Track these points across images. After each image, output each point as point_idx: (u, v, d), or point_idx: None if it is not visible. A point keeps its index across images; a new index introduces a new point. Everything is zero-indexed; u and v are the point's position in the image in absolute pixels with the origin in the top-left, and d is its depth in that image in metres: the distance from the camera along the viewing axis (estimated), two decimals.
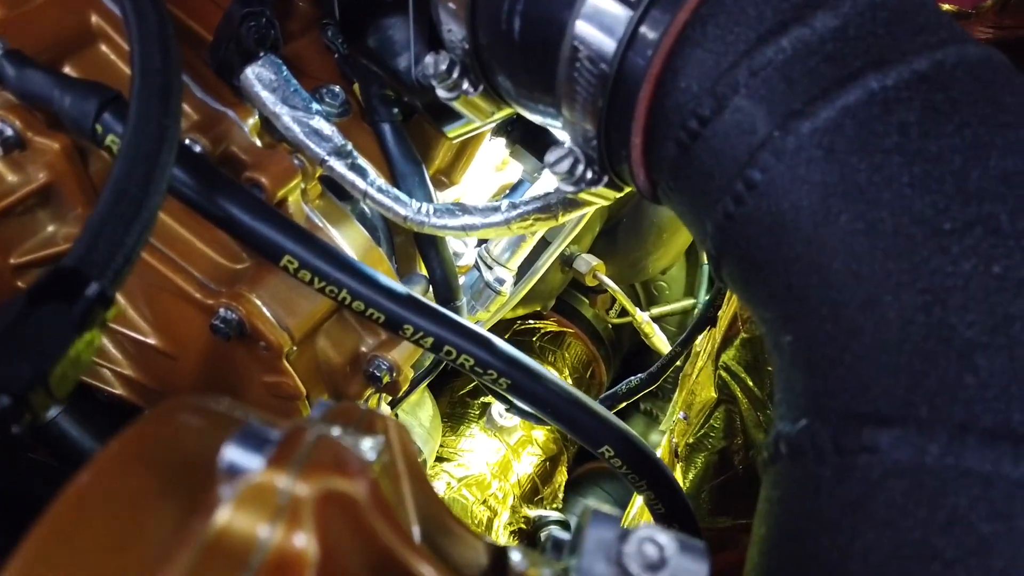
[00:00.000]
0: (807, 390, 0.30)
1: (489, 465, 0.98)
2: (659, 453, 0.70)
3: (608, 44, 0.38)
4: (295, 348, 0.57)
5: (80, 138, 0.49)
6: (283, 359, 0.57)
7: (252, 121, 0.59)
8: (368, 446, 0.24)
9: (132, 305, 0.59)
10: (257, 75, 0.56)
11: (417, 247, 0.71)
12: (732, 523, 0.65)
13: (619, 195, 0.47)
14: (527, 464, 1.03)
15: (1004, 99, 0.31)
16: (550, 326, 1.17)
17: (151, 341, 0.59)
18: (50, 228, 0.57)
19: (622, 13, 0.37)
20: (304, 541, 0.19)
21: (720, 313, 0.74)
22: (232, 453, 0.20)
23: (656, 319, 1.14)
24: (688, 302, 1.21)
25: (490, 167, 0.86)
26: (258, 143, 0.58)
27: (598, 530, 0.25)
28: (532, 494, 1.03)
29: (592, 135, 0.42)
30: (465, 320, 0.54)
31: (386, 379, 0.62)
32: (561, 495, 1.07)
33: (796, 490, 0.29)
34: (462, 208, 0.59)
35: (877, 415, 0.27)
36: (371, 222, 0.70)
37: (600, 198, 0.47)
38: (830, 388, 0.29)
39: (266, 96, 0.56)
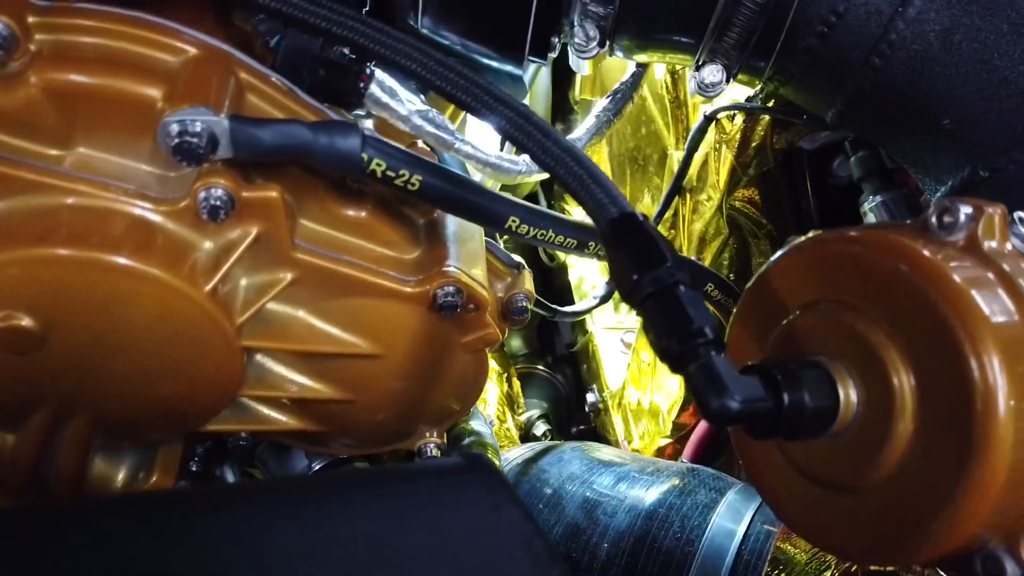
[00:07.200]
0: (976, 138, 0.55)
1: None
2: None
3: None
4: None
5: (344, 172, 0.53)
6: (486, 312, 0.66)
7: None
8: None
9: (334, 324, 0.62)
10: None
11: None
12: None
13: None
14: None
15: None
16: None
17: (361, 345, 0.63)
18: None
19: None
20: None
21: None
22: None
23: None
24: None
25: None
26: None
27: None
28: None
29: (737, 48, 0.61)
30: None
31: None
32: None
33: None
34: None
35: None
36: None
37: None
38: (987, 135, 0.55)
39: None
